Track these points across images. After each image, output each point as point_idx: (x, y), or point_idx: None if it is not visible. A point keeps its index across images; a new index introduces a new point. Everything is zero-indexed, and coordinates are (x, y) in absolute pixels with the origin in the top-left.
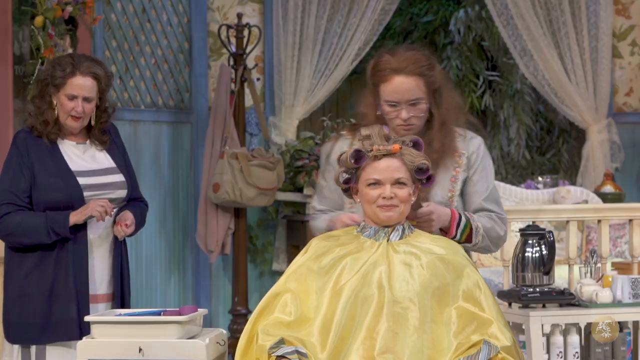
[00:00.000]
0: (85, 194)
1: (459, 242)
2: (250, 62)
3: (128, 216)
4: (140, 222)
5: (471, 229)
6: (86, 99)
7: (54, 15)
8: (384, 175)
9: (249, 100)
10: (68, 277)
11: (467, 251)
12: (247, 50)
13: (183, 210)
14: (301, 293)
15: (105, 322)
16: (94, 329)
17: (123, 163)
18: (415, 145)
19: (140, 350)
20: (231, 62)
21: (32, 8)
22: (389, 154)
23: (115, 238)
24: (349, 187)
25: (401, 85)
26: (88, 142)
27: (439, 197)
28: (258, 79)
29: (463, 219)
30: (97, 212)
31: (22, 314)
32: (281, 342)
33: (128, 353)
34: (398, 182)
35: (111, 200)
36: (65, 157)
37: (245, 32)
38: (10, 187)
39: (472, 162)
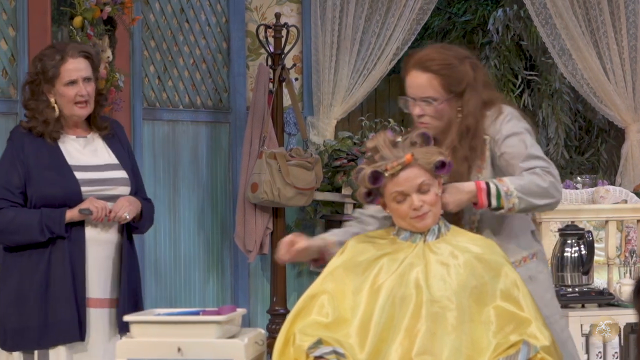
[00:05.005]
0: (84, 189)
1: (497, 208)
2: (288, 62)
3: (124, 199)
4: (147, 219)
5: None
6: (86, 79)
7: (92, 16)
8: (406, 186)
9: (287, 100)
10: (65, 276)
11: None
12: (285, 50)
13: (221, 210)
14: (338, 294)
15: (144, 322)
16: (133, 328)
17: (127, 161)
18: (425, 140)
19: (179, 350)
20: (269, 62)
21: (70, 8)
22: (405, 166)
23: (119, 242)
24: (372, 200)
25: (414, 80)
26: (89, 135)
27: None
28: (296, 79)
29: (492, 185)
30: (94, 207)
31: (19, 319)
32: (319, 342)
33: (167, 353)
34: (422, 189)
35: (112, 198)
36: (64, 152)
37: (284, 32)
38: (4, 183)
39: (497, 139)
